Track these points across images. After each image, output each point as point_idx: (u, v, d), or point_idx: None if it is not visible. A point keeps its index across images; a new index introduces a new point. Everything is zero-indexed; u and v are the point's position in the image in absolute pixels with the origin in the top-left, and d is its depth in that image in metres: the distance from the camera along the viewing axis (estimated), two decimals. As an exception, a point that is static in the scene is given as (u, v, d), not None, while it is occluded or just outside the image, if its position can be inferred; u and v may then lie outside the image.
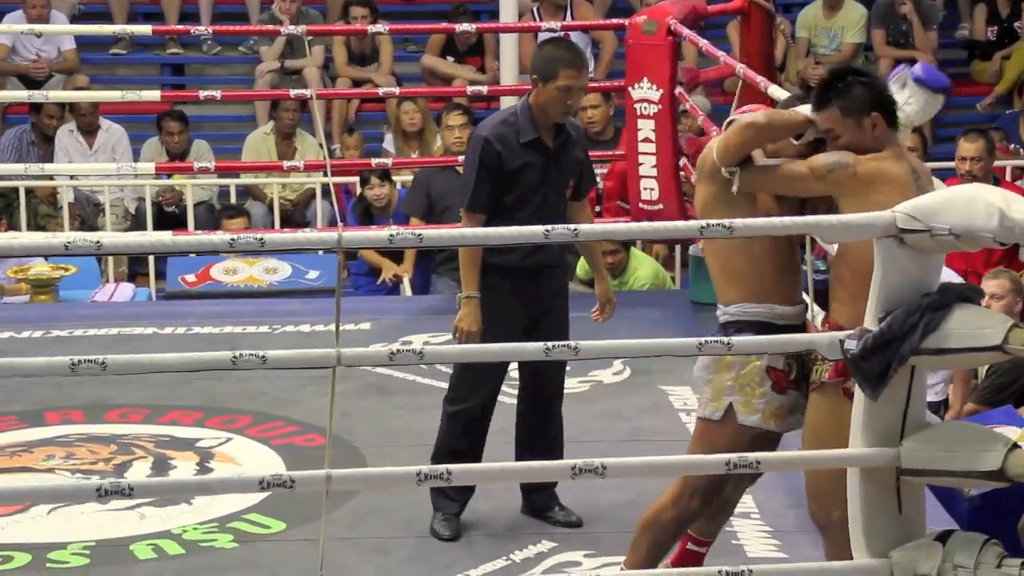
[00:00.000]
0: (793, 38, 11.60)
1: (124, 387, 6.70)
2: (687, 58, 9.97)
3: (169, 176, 10.29)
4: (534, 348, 4.02)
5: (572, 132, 5.41)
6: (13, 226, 9.56)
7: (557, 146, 5.34)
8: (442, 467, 3.93)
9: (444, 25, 10.61)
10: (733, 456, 4.01)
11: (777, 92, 6.10)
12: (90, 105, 10.27)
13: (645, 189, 7.76)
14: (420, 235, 3.91)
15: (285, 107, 10.42)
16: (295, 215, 10.33)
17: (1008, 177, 9.57)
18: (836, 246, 4.40)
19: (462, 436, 5.37)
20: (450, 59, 11.55)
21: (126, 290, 8.76)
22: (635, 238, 7.74)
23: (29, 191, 9.70)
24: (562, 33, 7.98)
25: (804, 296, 4.63)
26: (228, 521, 5.45)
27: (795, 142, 4.42)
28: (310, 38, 9.09)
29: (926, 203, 3.89)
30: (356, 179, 9.43)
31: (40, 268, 8.41)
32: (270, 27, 10.55)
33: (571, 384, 6.36)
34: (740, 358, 4.43)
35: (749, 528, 5.29)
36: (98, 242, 3.74)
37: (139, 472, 5.86)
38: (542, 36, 8.54)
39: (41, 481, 5.68)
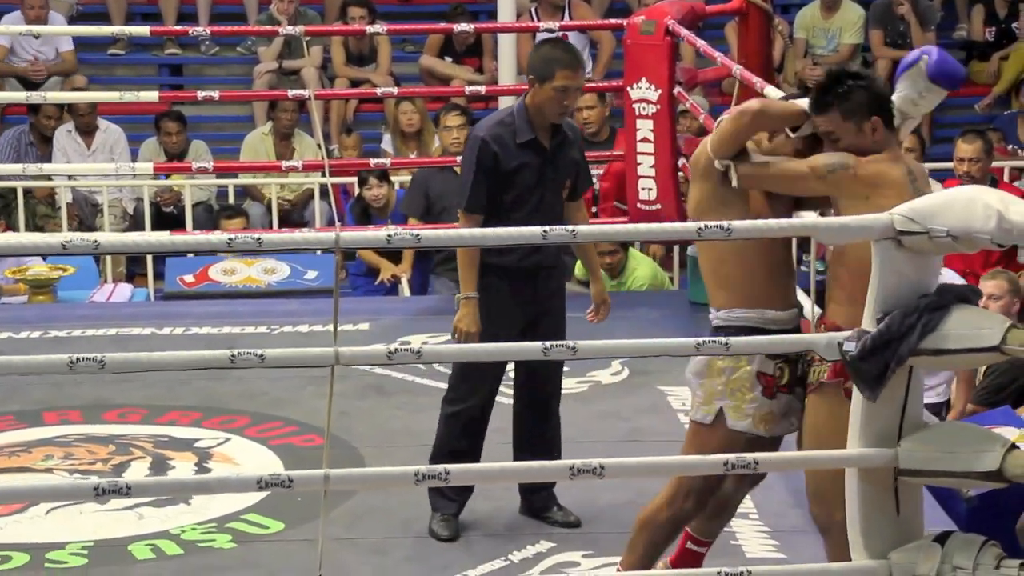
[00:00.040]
0: (791, 39, 11.60)
1: (122, 387, 6.70)
2: (685, 58, 9.97)
3: (167, 176, 10.29)
4: (532, 348, 4.02)
5: (569, 132, 5.41)
6: (11, 226, 9.56)
7: (554, 146, 5.34)
8: (440, 467, 3.93)
9: (442, 25, 10.60)
10: (731, 456, 4.02)
11: (774, 93, 6.09)
12: (88, 105, 10.27)
13: (643, 189, 7.76)
14: (418, 235, 3.91)
15: (283, 107, 10.42)
16: (293, 215, 10.33)
17: (1006, 178, 9.58)
18: (832, 247, 4.40)
19: (461, 436, 5.37)
20: (448, 59, 11.55)
21: (124, 290, 8.76)
22: (633, 239, 7.74)
23: (27, 191, 9.70)
24: (560, 33, 7.98)
25: (801, 298, 4.63)
26: (226, 521, 5.45)
27: (791, 134, 4.41)
28: (308, 38, 9.11)
29: (924, 205, 3.89)
30: (354, 179, 9.43)
31: (38, 268, 8.41)
32: (268, 27, 10.55)
33: (569, 384, 6.37)
34: (730, 363, 4.44)
35: (748, 528, 5.29)
36: (96, 242, 3.74)
37: (137, 472, 5.85)
38: (540, 36, 8.54)
39: (39, 481, 5.68)
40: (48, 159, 10.25)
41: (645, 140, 7.67)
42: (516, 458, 5.41)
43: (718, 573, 3.98)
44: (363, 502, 5.55)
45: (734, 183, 4.35)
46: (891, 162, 4.30)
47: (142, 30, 9.79)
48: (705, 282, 4.56)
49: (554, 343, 3.92)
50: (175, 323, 7.63)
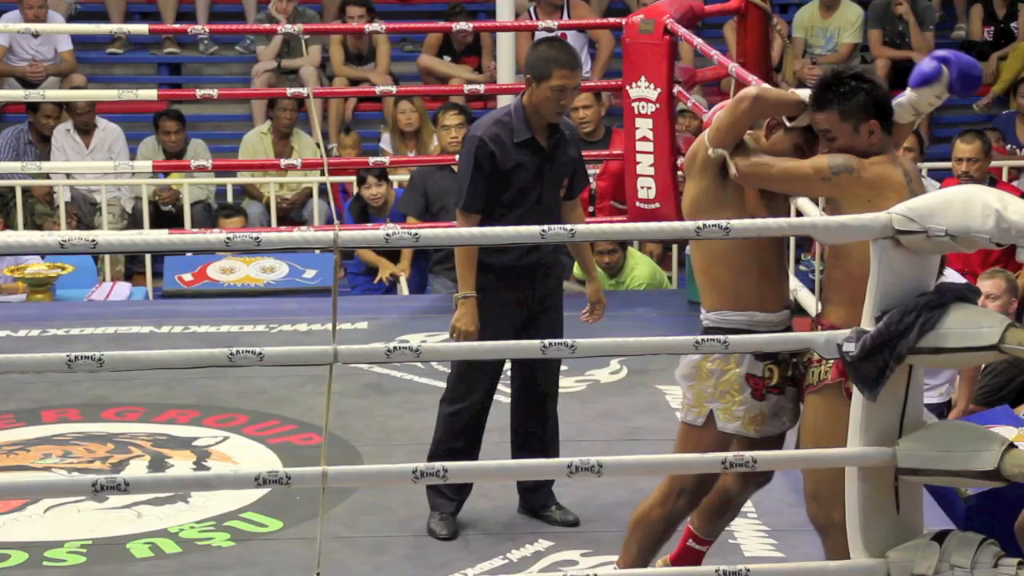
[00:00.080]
0: (790, 38, 11.60)
1: (121, 386, 6.70)
2: (684, 58, 9.97)
3: (166, 175, 10.29)
4: (531, 346, 4.02)
5: (566, 131, 5.41)
6: (10, 225, 9.55)
7: (551, 146, 5.34)
8: (438, 464, 3.93)
9: (441, 24, 10.60)
10: (730, 455, 4.02)
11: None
12: (87, 104, 10.27)
13: (642, 188, 7.76)
14: (416, 234, 3.91)
15: (282, 106, 10.42)
16: (292, 214, 10.33)
17: (1005, 177, 9.58)
18: (829, 247, 4.40)
19: (459, 436, 5.37)
20: (447, 58, 11.54)
21: (123, 289, 8.75)
22: (631, 238, 7.74)
23: (26, 190, 9.70)
24: (559, 32, 7.98)
25: (805, 297, 4.63)
26: (225, 520, 5.46)
27: (787, 123, 4.40)
28: (307, 37, 9.08)
29: (922, 205, 3.89)
30: (353, 178, 9.43)
31: (37, 267, 8.41)
32: (267, 26, 10.52)
33: (568, 383, 6.37)
34: (719, 366, 4.45)
35: (746, 527, 5.29)
36: (94, 241, 3.74)
37: (136, 471, 5.85)
38: (539, 35, 8.54)
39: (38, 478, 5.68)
40: (47, 158, 10.25)
41: (644, 139, 7.67)
42: (514, 457, 5.41)
43: (716, 571, 3.98)
44: (362, 501, 5.55)
45: (732, 172, 4.33)
46: (891, 164, 4.30)
47: (141, 28, 9.76)
48: (697, 282, 4.57)
49: (553, 341, 3.92)
50: (173, 322, 7.63)
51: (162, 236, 3.94)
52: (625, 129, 7.85)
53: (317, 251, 8.46)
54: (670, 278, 9.03)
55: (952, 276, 6.69)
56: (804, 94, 4.38)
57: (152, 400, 6.59)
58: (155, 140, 10.44)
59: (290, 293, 8.44)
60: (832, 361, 4.24)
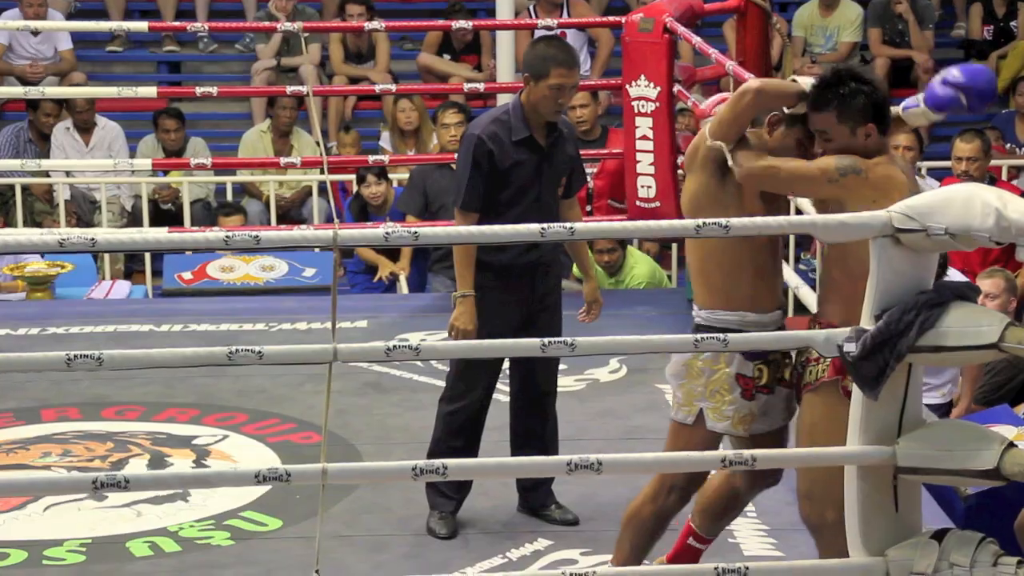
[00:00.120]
0: (789, 37, 11.60)
1: (120, 384, 6.70)
2: (684, 56, 9.97)
3: (166, 173, 10.29)
4: (531, 344, 4.02)
5: (564, 130, 5.41)
6: (9, 223, 9.55)
7: (549, 144, 5.34)
8: (438, 462, 3.93)
9: (440, 22, 10.60)
10: (729, 453, 4.02)
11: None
12: (86, 102, 10.27)
13: (642, 187, 7.75)
14: (416, 233, 3.91)
15: (282, 104, 10.42)
16: (292, 213, 10.33)
17: (1004, 176, 9.58)
18: (827, 245, 4.39)
19: (458, 434, 5.37)
20: (446, 57, 11.54)
21: (122, 287, 8.76)
22: (630, 236, 7.73)
23: (25, 188, 9.70)
24: (559, 31, 7.98)
25: (806, 296, 4.63)
26: (225, 519, 5.46)
27: (785, 110, 4.39)
28: (306, 35, 9.08)
29: (922, 203, 3.89)
30: (352, 177, 9.42)
31: (36, 265, 8.41)
32: (266, 24, 10.53)
33: (567, 382, 6.37)
34: (709, 365, 4.45)
35: (746, 526, 5.29)
36: (93, 239, 3.74)
37: (135, 469, 5.85)
38: (538, 34, 8.54)
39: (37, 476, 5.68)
40: (47, 156, 10.25)
41: (644, 138, 7.67)
42: (514, 456, 5.41)
43: (715, 569, 3.98)
44: (361, 500, 5.55)
45: (735, 169, 4.33)
46: (893, 165, 4.30)
47: (140, 26, 9.77)
48: (691, 279, 4.57)
49: (552, 340, 3.92)
50: (173, 320, 7.63)
51: (161, 234, 3.94)
52: (625, 128, 7.85)
53: (317, 249, 8.46)
54: (670, 277, 9.03)
55: (955, 276, 6.69)
56: (805, 82, 4.37)
57: (152, 399, 6.59)
58: (155, 138, 10.44)
59: (290, 291, 8.44)
60: (829, 359, 4.24)
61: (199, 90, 8.42)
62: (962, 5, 12.46)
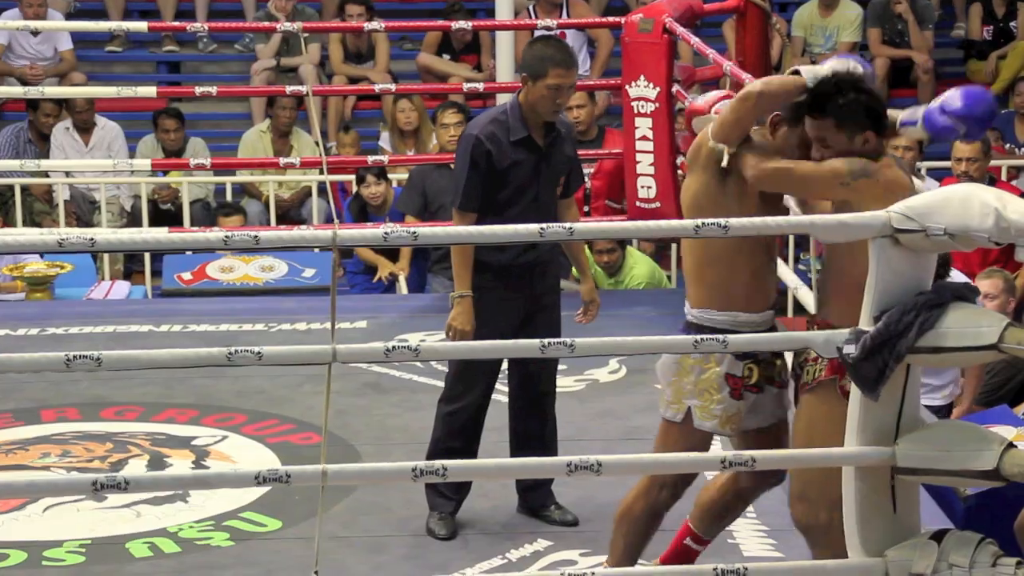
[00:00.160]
0: (789, 37, 11.60)
1: (120, 385, 6.70)
2: (683, 57, 9.97)
3: (165, 173, 10.29)
4: (530, 345, 4.02)
5: (562, 130, 5.41)
6: (9, 223, 9.55)
7: (547, 144, 5.34)
8: (438, 463, 3.93)
9: (440, 23, 10.60)
10: (729, 454, 4.02)
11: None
12: (86, 102, 10.26)
13: (642, 187, 7.76)
14: (415, 233, 3.91)
15: (281, 105, 10.42)
16: (291, 213, 10.33)
17: (1004, 176, 9.58)
18: (826, 245, 4.39)
19: (457, 435, 5.37)
20: (446, 57, 11.54)
21: (122, 288, 8.75)
22: (629, 236, 7.74)
23: (25, 188, 9.70)
24: (558, 31, 7.98)
25: (805, 296, 4.63)
26: (224, 519, 5.45)
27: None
28: (306, 35, 9.08)
29: (921, 203, 3.89)
30: (352, 177, 9.42)
31: (36, 265, 8.41)
32: (266, 24, 10.53)
33: (567, 383, 6.37)
34: (699, 363, 4.45)
35: (745, 527, 5.29)
36: (93, 239, 3.74)
37: (135, 470, 5.85)
38: (538, 34, 8.54)
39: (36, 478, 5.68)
40: (46, 156, 10.24)
41: (644, 138, 7.67)
42: (513, 456, 5.41)
43: (715, 570, 3.98)
44: (360, 500, 5.54)
45: (731, 163, 4.33)
46: (897, 167, 4.30)
47: (140, 26, 9.77)
48: (685, 277, 4.57)
49: (551, 340, 3.92)
50: (172, 321, 7.63)
51: (161, 235, 3.94)
52: (625, 128, 7.86)
53: (316, 250, 8.46)
54: (669, 277, 9.02)
55: (957, 277, 6.68)
56: (807, 71, 4.35)
57: (151, 399, 6.59)
58: (154, 138, 10.44)
59: (289, 292, 8.43)
60: (827, 359, 4.24)
61: (199, 90, 8.42)
62: (962, 5, 12.45)
